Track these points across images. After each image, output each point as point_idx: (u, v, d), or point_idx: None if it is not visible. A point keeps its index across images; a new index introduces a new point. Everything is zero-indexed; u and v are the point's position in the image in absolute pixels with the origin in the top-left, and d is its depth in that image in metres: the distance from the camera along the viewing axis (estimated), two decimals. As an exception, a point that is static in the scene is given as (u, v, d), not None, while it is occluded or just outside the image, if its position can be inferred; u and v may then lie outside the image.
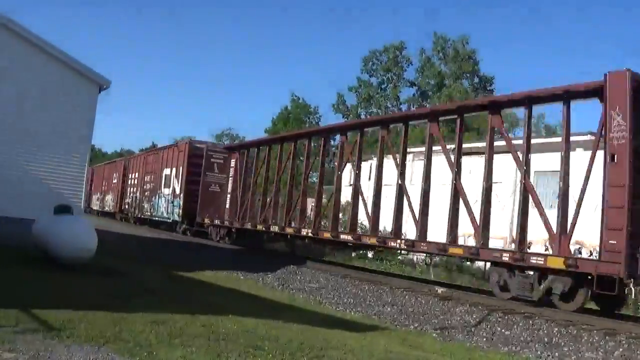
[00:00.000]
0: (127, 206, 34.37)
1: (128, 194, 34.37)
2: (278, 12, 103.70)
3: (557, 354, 8.38)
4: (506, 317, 10.06)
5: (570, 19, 72.08)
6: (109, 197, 39.91)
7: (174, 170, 26.98)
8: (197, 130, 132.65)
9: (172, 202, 26.50)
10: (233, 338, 6.14)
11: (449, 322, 10.29)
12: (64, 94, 14.42)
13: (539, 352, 8.48)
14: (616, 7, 69.37)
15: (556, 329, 9.29)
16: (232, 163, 23.71)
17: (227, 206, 23.22)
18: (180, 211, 25.65)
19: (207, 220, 24.22)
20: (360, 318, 10.56)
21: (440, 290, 12.39)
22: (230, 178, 23.65)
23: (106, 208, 39.96)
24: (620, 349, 8.28)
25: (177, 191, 26.20)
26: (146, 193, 30.74)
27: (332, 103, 51.08)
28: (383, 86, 49.48)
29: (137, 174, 33.06)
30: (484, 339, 9.19)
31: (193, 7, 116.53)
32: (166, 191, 27.61)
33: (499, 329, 9.64)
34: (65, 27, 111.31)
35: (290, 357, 5.63)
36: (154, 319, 6.53)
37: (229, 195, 23.31)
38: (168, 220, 27.35)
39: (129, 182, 34.44)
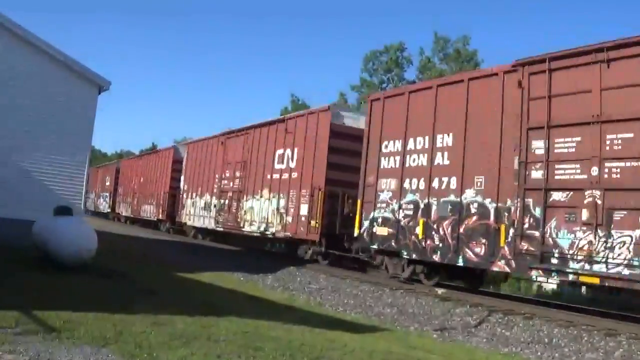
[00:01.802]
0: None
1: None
2: (278, 13, 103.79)
3: (557, 354, 8.38)
4: (506, 318, 10.06)
5: (572, 18, 72.05)
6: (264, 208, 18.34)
7: None
8: (197, 130, 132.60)
9: None
10: (233, 339, 6.13)
11: (449, 322, 10.29)
12: (64, 95, 14.43)
13: (539, 353, 8.48)
14: (619, 7, 69.31)
15: (556, 329, 9.29)
16: None
17: None
18: None
19: None
20: (361, 319, 10.55)
21: (440, 291, 12.37)
22: None
23: (250, 229, 19.27)
24: (621, 350, 8.27)
25: None
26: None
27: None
28: (383, 85, 49.54)
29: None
30: (485, 340, 9.19)
31: (193, 7, 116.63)
32: None
33: (499, 329, 9.64)
34: (65, 27, 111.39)
35: (290, 358, 5.63)
36: (155, 320, 6.53)
37: None
38: None
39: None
